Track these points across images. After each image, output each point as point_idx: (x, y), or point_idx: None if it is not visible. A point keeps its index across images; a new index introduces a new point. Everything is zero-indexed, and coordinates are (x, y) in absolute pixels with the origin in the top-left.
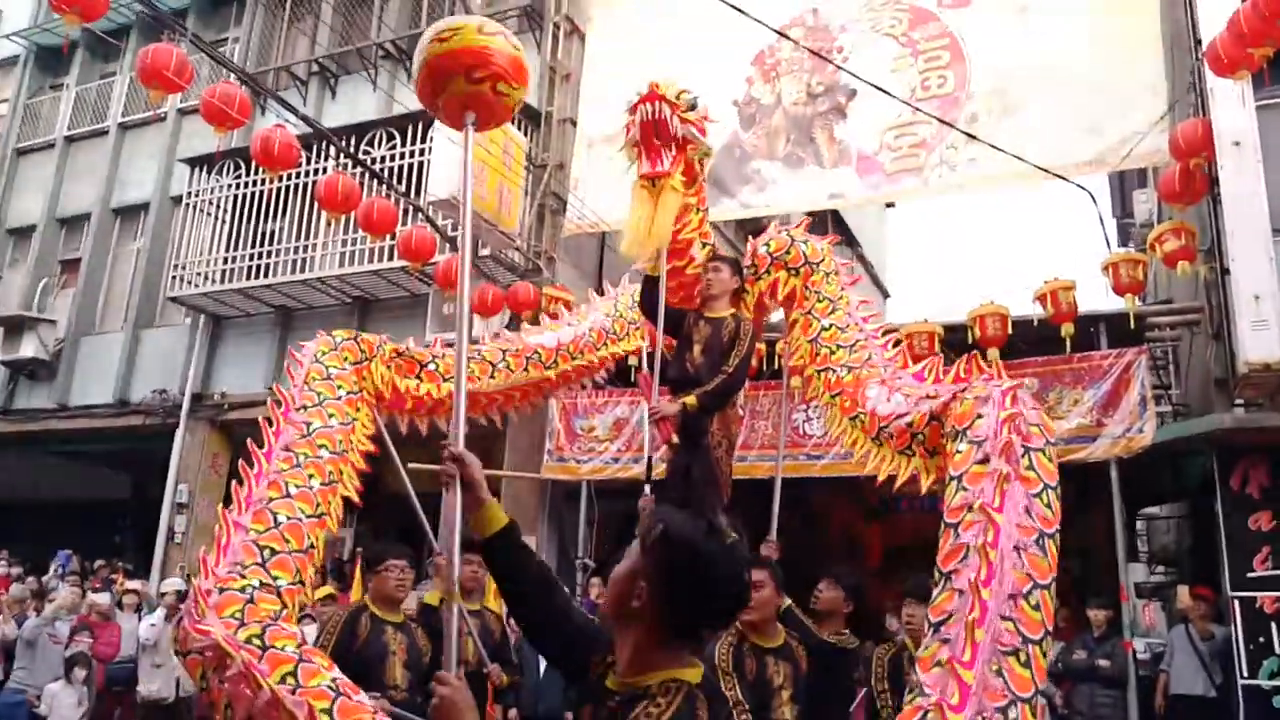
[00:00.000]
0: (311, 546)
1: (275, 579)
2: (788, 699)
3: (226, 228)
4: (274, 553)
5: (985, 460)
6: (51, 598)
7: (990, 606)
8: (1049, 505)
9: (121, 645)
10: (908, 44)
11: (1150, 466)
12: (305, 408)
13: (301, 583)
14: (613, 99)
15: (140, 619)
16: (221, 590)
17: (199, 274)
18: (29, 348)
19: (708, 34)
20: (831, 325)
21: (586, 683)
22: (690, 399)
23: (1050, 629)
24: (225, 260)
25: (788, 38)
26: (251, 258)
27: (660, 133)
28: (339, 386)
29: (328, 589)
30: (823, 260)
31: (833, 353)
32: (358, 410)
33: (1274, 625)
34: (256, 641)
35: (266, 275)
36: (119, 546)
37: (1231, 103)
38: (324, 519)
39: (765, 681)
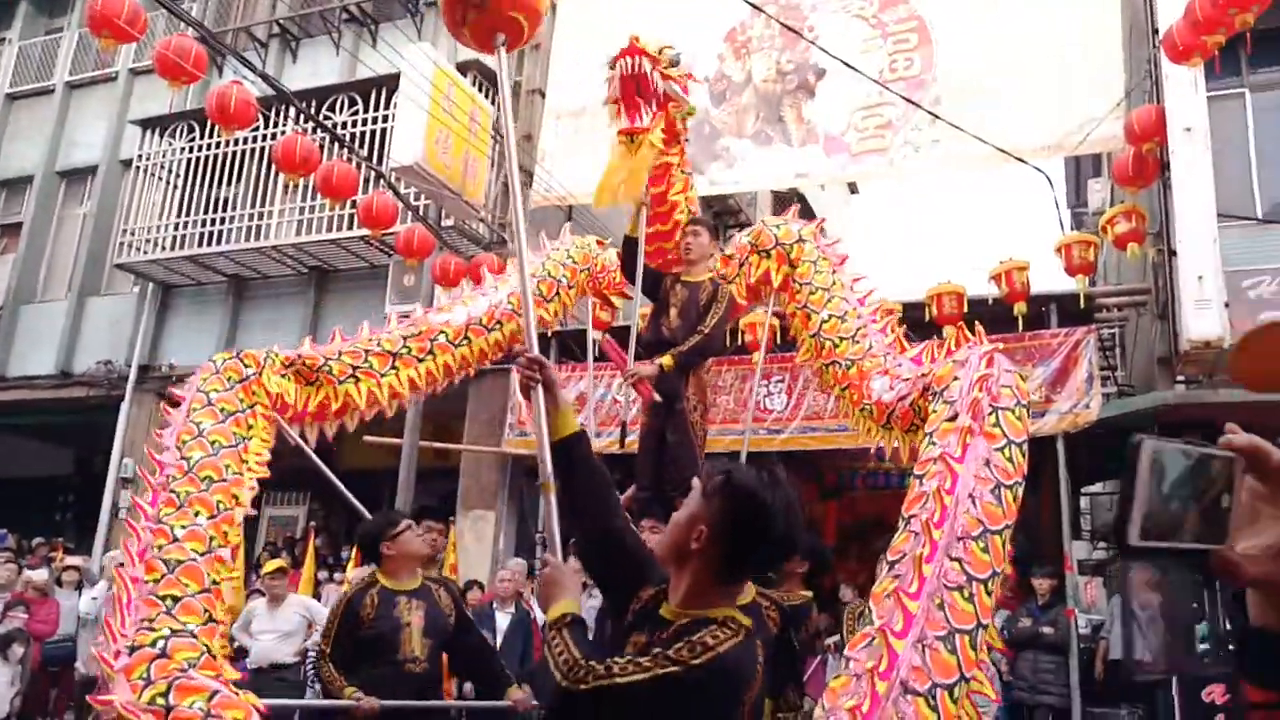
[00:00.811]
0: (215, 583)
1: (185, 625)
2: None
3: (178, 193)
4: (176, 600)
5: (954, 417)
6: None
7: (940, 545)
8: (1010, 459)
9: (60, 623)
10: (877, 25)
11: (1095, 444)
12: (184, 442)
13: (214, 620)
14: (582, 71)
15: (80, 596)
16: (132, 649)
17: (148, 240)
18: None
19: (680, 9)
20: (830, 316)
21: (635, 611)
22: (666, 359)
23: (999, 570)
24: (176, 226)
25: (762, 11)
26: (204, 224)
27: (641, 88)
28: (222, 410)
29: (278, 563)
30: (798, 243)
31: (836, 345)
32: (248, 428)
33: (1206, 591)
34: (161, 701)
35: (219, 242)
36: (60, 525)
37: (1185, 90)
38: (219, 553)
39: None
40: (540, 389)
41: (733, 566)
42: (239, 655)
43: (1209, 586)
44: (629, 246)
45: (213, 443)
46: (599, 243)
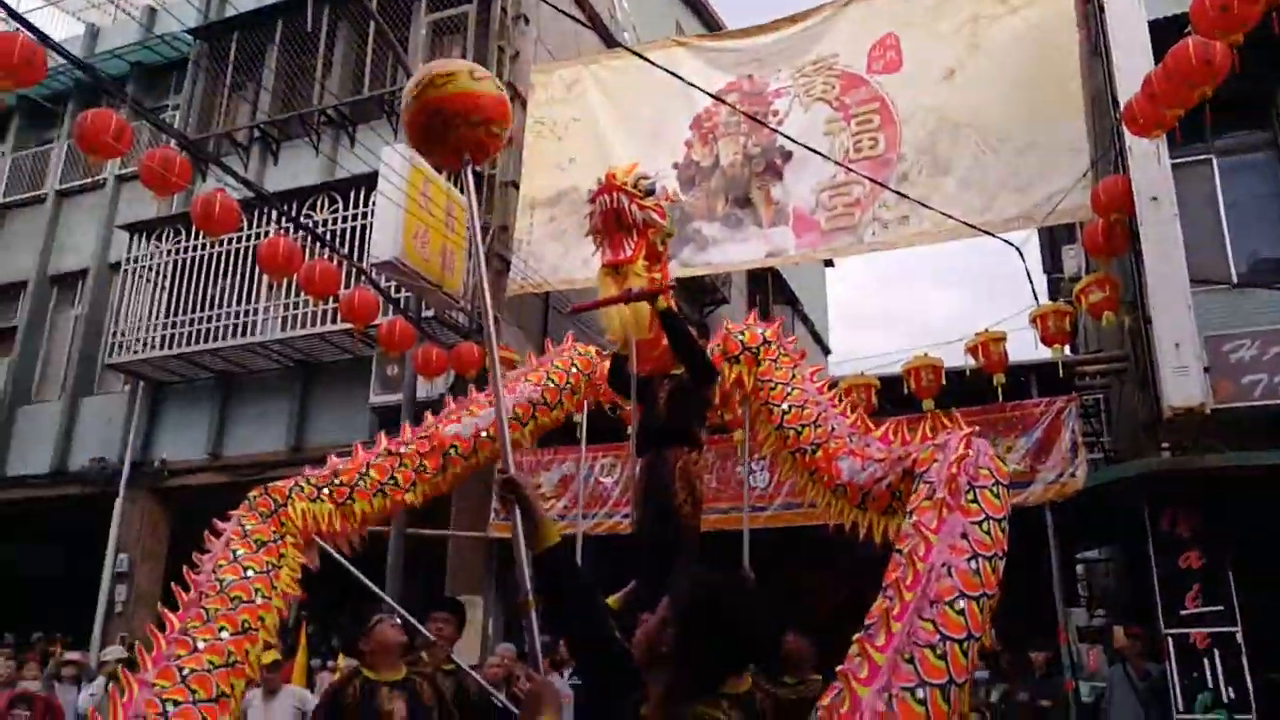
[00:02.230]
0: (224, 695)
1: None
2: None
3: (166, 293)
4: (177, 704)
5: (932, 495)
6: None
7: (910, 605)
8: (989, 533)
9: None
10: (840, 108)
11: (1085, 511)
12: (220, 565)
13: None
14: (554, 162)
15: (80, 692)
16: None
17: (138, 340)
18: None
19: (646, 98)
20: (790, 407)
21: None
22: (662, 302)
23: (977, 634)
24: (165, 326)
25: (725, 103)
26: (192, 323)
27: (621, 221)
28: (256, 541)
29: (273, 654)
30: (764, 345)
31: (799, 433)
32: (280, 556)
33: (1206, 661)
34: None
35: (207, 340)
36: (52, 622)
37: (1149, 161)
38: (238, 667)
39: None
40: (516, 509)
41: (703, 668)
42: None
43: (1209, 656)
44: (617, 364)
45: (245, 568)
46: (598, 353)
